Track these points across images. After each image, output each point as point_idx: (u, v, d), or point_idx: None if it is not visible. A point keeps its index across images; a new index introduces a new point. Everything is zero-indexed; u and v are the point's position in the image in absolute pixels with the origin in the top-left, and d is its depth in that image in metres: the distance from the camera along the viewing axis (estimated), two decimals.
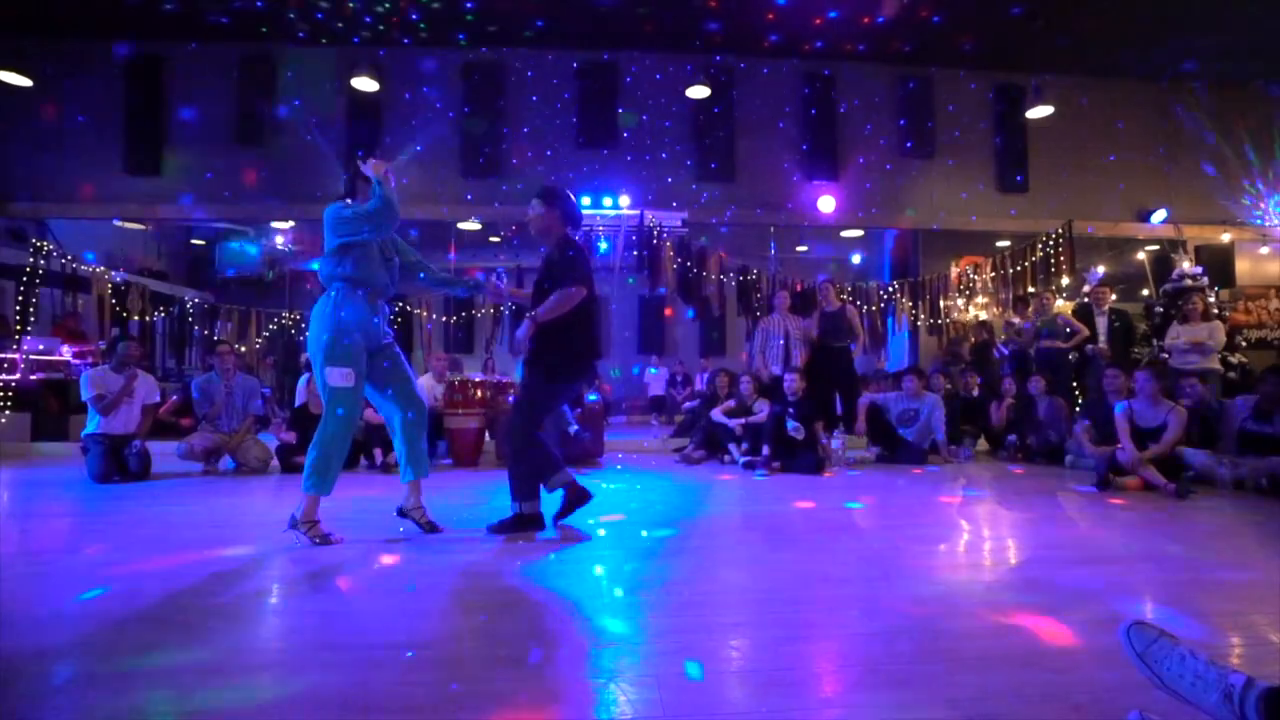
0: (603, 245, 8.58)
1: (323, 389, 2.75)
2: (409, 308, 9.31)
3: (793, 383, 5.59)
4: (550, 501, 3.04)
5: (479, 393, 5.91)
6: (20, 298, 8.03)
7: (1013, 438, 6.23)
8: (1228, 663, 1.21)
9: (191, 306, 9.44)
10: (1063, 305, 8.09)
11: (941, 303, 9.06)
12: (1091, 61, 9.25)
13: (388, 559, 2.54)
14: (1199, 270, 8.63)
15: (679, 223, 8.73)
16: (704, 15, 8.32)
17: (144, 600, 2.01)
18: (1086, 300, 7.36)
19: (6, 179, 8.62)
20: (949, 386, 6.70)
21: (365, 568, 2.43)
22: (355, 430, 2.94)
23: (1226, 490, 4.25)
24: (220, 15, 8.06)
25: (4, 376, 7.06)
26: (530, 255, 11.49)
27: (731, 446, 5.79)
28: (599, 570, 2.43)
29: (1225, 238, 9.67)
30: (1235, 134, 9.39)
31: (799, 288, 8.59)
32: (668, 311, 11.63)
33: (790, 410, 5.46)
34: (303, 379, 5.83)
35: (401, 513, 3.02)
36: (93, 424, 4.81)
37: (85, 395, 4.84)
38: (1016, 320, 7.41)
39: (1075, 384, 6.79)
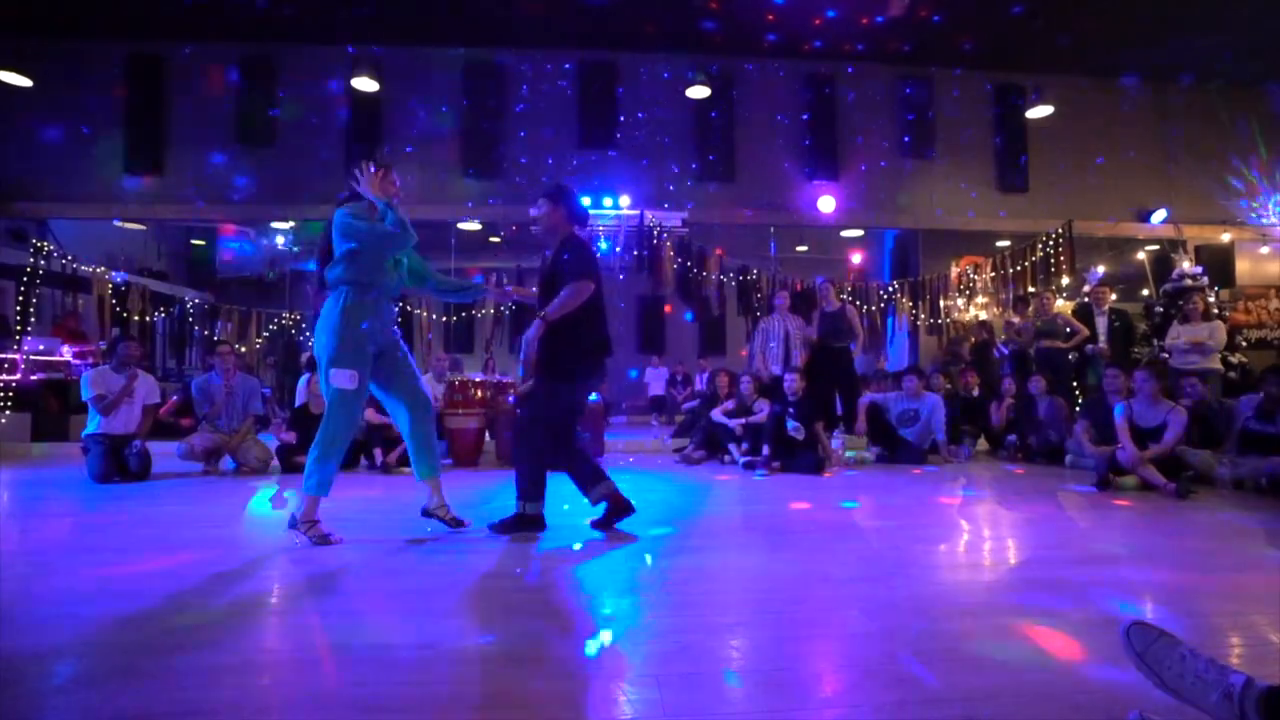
0: (603, 245, 8.59)
1: (326, 390, 2.76)
2: (409, 308, 9.31)
3: (793, 383, 5.58)
4: (555, 499, 3.04)
5: (479, 393, 5.91)
6: (20, 298, 8.03)
7: (1013, 438, 6.23)
8: (1228, 663, 1.21)
9: (191, 306, 9.44)
10: (1063, 305, 8.09)
11: (941, 303, 9.07)
12: (1091, 61, 9.26)
13: (388, 559, 2.54)
14: (1199, 270, 8.63)
15: (679, 223, 8.73)
16: (704, 15, 8.32)
17: (144, 600, 2.00)
18: (1086, 300, 7.36)
19: (6, 179, 8.63)
20: (949, 386, 6.70)
21: (366, 568, 2.43)
22: (356, 431, 2.94)
23: (1226, 490, 4.25)
24: (220, 15, 8.06)
25: (4, 376, 7.06)
26: (530, 256, 11.49)
27: (731, 446, 5.79)
28: (599, 570, 2.43)
29: (1225, 238, 9.67)
30: (1235, 134, 9.39)
31: (799, 287, 8.59)
32: (667, 308, 11.63)
33: (790, 410, 5.45)
34: (303, 379, 5.83)
35: (426, 513, 3.01)
36: (93, 424, 4.81)
37: (85, 395, 4.84)
38: (1016, 320, 7.41)
39: (1075, 384, 6.79)
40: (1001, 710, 1.34)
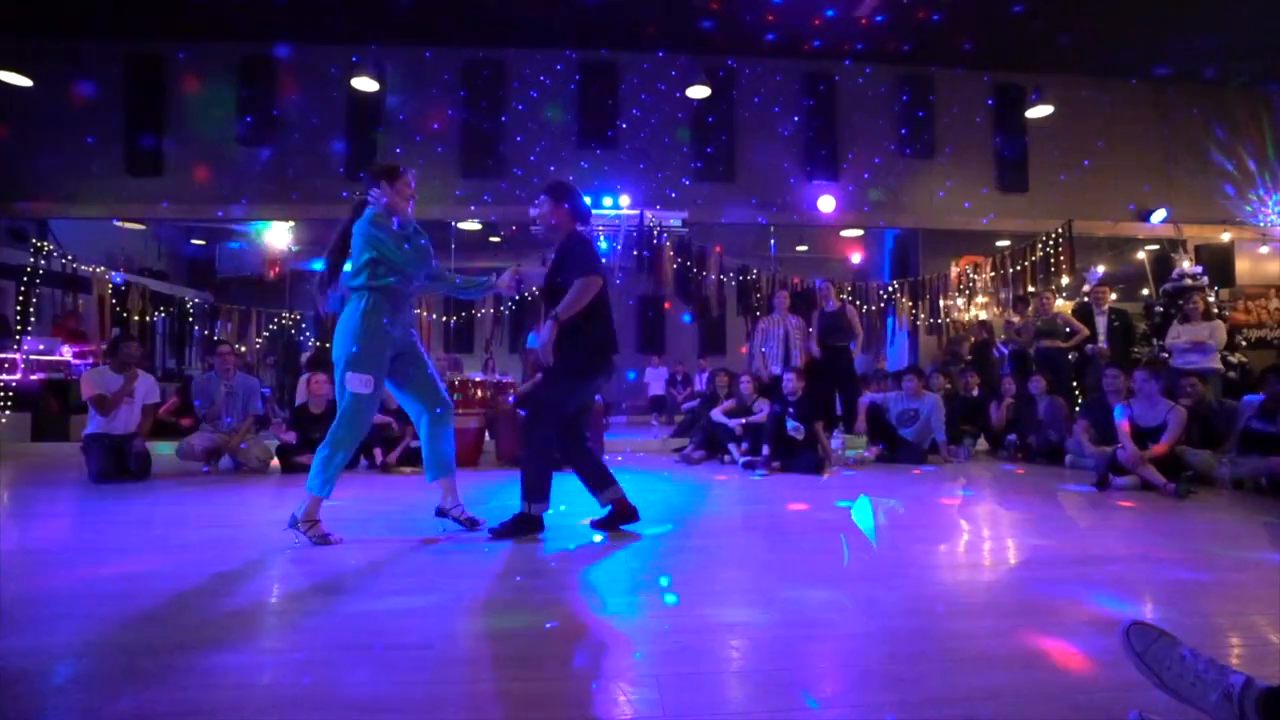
0: (603, 245, 8.59)
1: (340, 392, 2.77)
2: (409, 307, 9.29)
3: (792, 382, 5.59)
4: (554, 500, 3.03)
5: (479, 393, 5.91)
6: (20, 298, 8.03)
7: (1013, 437, 6.23)
8: (1228, 663, 1.21)
9: (191, 306, 9.44)
10: (1063, 305, 8.09)
11: (941, 302, 9.06)
12: (1091, 61, 9.25)
13: (388, 559, 2.54)
14: (1199, 270, 8.63)
15: (679, 223, 8.73)
16: (704, 15, 8.32)
17: (144, 600, 2.00)
18: (1086, 300, 7.36)
19: (6, 179, 8.63)
20: (949, 386, 6.70)
21: (366, 567, 2.43)
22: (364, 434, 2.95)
23: (1226, 490, 4.25)
24: (220, 15, 8.06)
25: (4, 376, 7.07)
26: (530, 256, 11.48)
27: (731, 446, 5.79)
28: (599, 570, 2.43)
29: (1225, 237, 9.67)
30: (1235, 134, 9.39)
31: (798, 286, 8.59)
32: (666, 305, 11.62)
33: (790, 410, 5.46)
34: (303, 379, 5.83)
35: (440, 513, 3.02)
36: (93, 424, 4.82)
37: (85, 395, 4.84)
38: (1016, 320, 7.41)
39: (1075, 384, 6.79)
40: (1001, 710, 1.34)
